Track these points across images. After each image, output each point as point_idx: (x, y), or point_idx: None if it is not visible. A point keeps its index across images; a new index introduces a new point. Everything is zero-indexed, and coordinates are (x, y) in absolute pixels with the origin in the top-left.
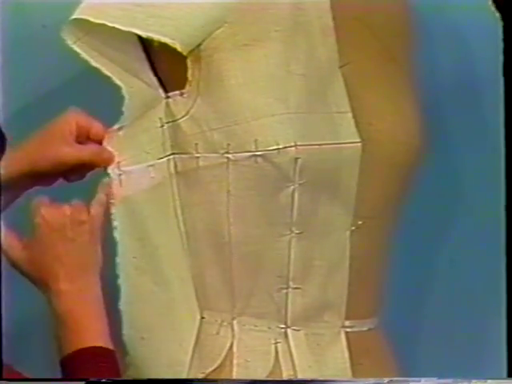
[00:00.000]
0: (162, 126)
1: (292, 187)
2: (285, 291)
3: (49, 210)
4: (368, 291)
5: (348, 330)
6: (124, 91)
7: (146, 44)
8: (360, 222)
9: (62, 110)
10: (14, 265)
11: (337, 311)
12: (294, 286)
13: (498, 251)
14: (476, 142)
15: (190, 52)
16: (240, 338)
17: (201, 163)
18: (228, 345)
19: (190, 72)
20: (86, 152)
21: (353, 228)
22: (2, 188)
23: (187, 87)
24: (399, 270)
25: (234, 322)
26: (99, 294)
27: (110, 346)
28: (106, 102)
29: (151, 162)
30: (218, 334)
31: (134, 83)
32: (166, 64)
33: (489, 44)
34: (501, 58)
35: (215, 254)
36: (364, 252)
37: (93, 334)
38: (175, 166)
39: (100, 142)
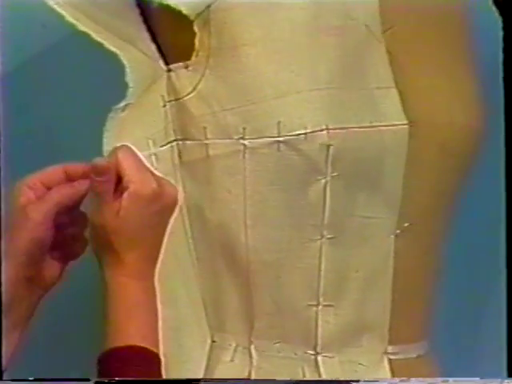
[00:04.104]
0: (164, 105)
1: (323, 181)
2: (314, 309)
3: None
4: (415, 310)
5: (392, 357)
6: (124, 61)
7: (143, 6)
8: (406, 225)
9: (62, 109)
10: (100, 226)
11: (378, 334)
12: (326, 303)
13: (498, 251)
14: None
15: (198, 15)
16: (259, 367)
17: (211, 152)
18: (245, 374)
19: (197, 39)
20: (49, 197)
21: (397, 232)
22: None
23: (193, 58)
24: None
25: (252, 346)
26: (154, 287)
27: (152, 347)
28: (105, 99)
29: (154, 150)
30: (232, 361)
31: (131, 53)
32: (167, 30)
33: (489, 44)
34: (501, 57)
35: (229, 264)
36: (411, 261)
37: (135, 330)
38: (179, 155)
39: (65, 178)
